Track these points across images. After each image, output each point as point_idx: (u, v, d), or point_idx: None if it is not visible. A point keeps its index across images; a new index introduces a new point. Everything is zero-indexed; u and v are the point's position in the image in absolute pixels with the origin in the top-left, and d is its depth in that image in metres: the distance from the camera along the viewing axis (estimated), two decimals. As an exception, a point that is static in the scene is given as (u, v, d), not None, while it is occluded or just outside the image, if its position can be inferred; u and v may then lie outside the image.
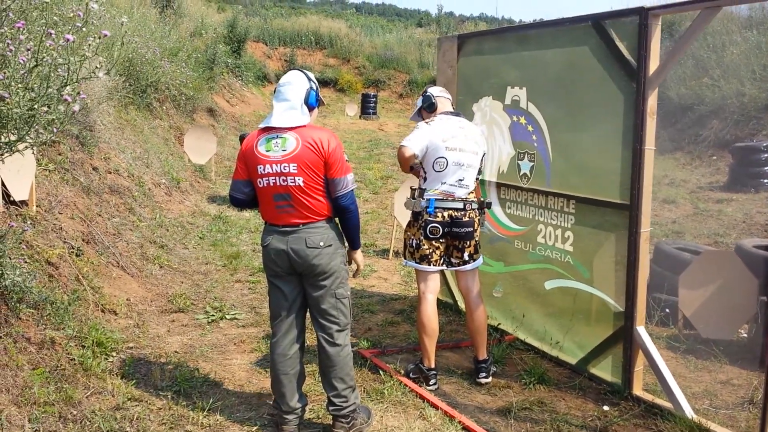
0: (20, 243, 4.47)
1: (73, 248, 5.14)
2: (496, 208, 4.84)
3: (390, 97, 25.44)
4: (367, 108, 22.19)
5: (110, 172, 7.23)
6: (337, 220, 3.42)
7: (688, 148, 12.48)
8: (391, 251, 7.24)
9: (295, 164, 3.20)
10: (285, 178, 3.22)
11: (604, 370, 4.05)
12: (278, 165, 3.22)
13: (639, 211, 3.73)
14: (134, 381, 3.93)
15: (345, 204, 3.31)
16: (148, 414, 3.57)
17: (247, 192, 3.38)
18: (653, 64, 3.64)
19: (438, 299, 5.46)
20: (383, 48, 27.09)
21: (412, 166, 4.08)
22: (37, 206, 5.17)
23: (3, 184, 4.72)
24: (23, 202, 4.97)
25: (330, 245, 3.32)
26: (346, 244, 3.47)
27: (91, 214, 6.00)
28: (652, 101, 3.67)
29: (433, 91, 4.23)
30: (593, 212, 4.03)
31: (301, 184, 3.22)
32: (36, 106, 3.04)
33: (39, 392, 3.36)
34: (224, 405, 3.76)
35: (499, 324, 4.85)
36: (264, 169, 3.24)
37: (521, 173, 4.57)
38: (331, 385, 3.45)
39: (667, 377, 3.65)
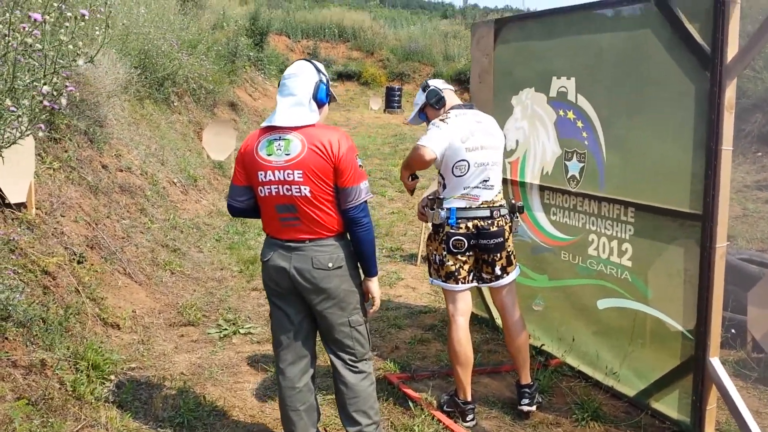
0: (13, 251, 4.05)
1: (75, 255, 4.72)
2: (540, 215, 4.30)
3: (414, 91, 24.80)
4: (391, 102, 21.67)
5: (121, 170, 6.81)
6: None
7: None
8: (420, 256, 6.74)
9: (301, 171, 2.71)
10: (289, 187, 2.73)
11: (669, 406, 3.51)
12: (281, 172, 2.73)
13: (714, 223, 3.18)
14: (132, 411, 3.48)
15: (355, 216, 2.80)
16: (145, 453, 3.13)
17: (245, 200, 2.90)
18: (731, 50, 3.08)
19: (473, 313, 4.98)
20: (407, 40, 26.51)
21: (411, 176, 3.58)
22: (37, 209, 4.76)
23: (-3, 186, 4.32)
24: (21, 205, 4.56)
25: (340, 266, 2.83)
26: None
27: (98, 216, 5.58)
28: (730, 93, 3.11)
29: (437, 83, 3.68)
30: (657, 222, 3.48)
31: (308, 195, 2.73)
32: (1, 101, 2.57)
33: (20, 428, 2.92)
34: (232, 441, 3.31)
35: (542, 345, 4.33)
36: (265, 176, 2.75)
37: (569, 175, 4.03)
38: (351, 420, 2.97)
39: (748, 420, 3.09)
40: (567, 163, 4.05)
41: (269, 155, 2.76)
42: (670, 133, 3.38)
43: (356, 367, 2.97)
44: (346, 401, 2.96)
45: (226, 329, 4.75)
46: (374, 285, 2.97)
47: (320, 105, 2.88)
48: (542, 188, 4.27)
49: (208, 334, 4.70)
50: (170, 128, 9.78)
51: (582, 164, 3.94)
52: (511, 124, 4.48)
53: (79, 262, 4.71)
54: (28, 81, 2.75)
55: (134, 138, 7.88)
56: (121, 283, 4.98)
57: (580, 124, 3.92)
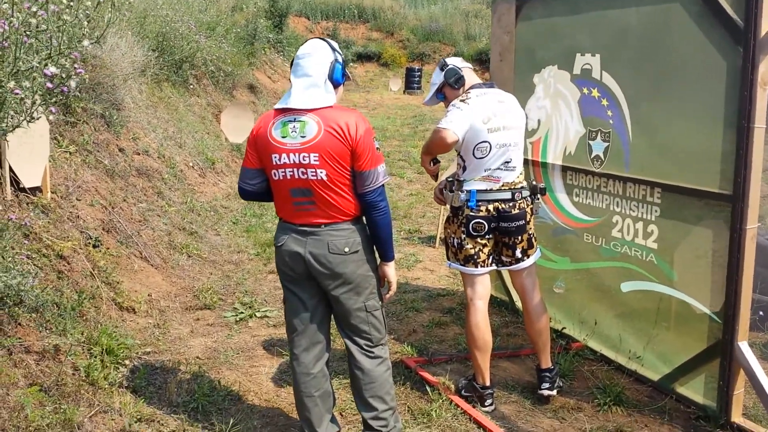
0: (27, 236, 4.03)
1: (91, 239, 4.69)
2: (562, 196, 4.18)
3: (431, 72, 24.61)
4: (411, 82, 21.46)
5: (138, 153, 6.77)
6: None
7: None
8: (438, 238, 6.64)
9: (317, 154, 2.62)
10: (305, 171, 2.64)
11: (695, 391, 3.40)
12: (296, 155, 2.63)
13: (745, 204, 3.05)
14: (147, 396, 3.45)
15: (373, 200, 2.70)
16: (158, 439, 3.09)
17: (257, 183, 2.82)
18: (766, 23, 2.93)
19: (493, 296, 4.88)
20: (428, 20, 26.17)
21: (433, 161, 3.48)
22: (52, 193, 4.73)
23: (11, 170, 4.29)
24: (36, 189, 4.53)
25: (356, 251, 2.74)
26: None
27: (115, 199, 5.55)
28: (763, 68, 2.96)
29: (455, 62, 3.52)
30: (684, 203, 3.35)
31: (324, 178, 2.64)
32: (2, 83, 2.51)
33: (32, 415, 2.89)
34: (247, 427, 3.26)
35: (563, 328, 4.22)
36: (279, 159, 2.66)
37: (593, 155, 3.90)
38: (367, 406, 2.90)
39: (778, 406, 2.99)
40: (591, 142, 3.91)
41: (284, 137, 2.67)
42: (700, 111, 3.24)
43: (372, 352, 2.90)
44: (362, 386, 2.90)
45: (242, 313, 4.71)
46: (391, 270, 2.88)
47: (336, 85, 2.77)
48: (565, 169, 4.14)
49: (224, 317, 4.66)
50: (188, 111, 9.74)
51: (607, 144, 3.80)
52: (532, 103, 4.35)
53: (94, 246, 4.68)
54: (34, 63, 2.68)
55: (152, 121, 7.84)
56: (137, 267, 4.95)
57: (605, 102, 3.78)
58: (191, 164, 7.97)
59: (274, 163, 2.68)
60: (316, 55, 2.71)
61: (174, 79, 9.85)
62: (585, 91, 3.91)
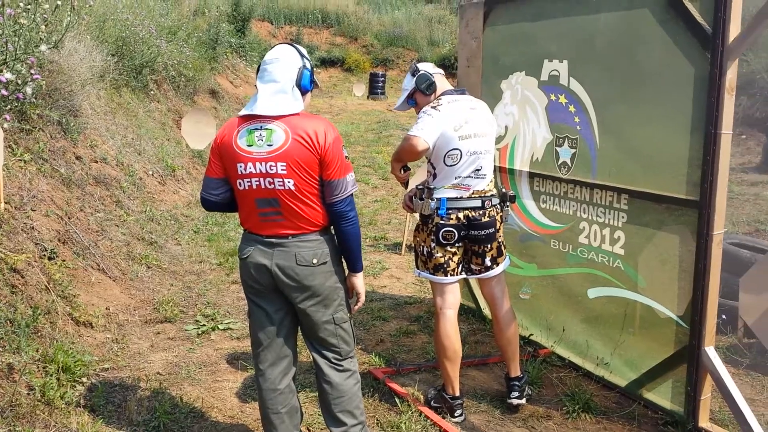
0: (-22, 249, 3.85)
1: (46, 251, 4.52)
2: (529, 202, 4.17)
3: (399, 77, 24.52)
4: (375, 88, 21.40)
5: (96, 161, 6.58)
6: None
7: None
8: (404, 245, 6.59)
9: (284, 163, 2.53)
10: (272, 180, 2.55)
11: (662, 396, 3.41)
12: (263, 164, 2.55)
13: (711, 210, 3.06)
14: (105, 415, 3.31)
15: (341, 210, 2.63)
16: (118, 460, 2.96)
17: (221, 193, 2.72)
18: (734, 30, 2.94)
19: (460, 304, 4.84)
20: (392, 26, 26.19)
21: (403, 168, 3.42)
22: (6, 203, 4.54)
23: (-39, 180, 4.11)
24: (-12, 199, 4.35)
25: (325, 262, 2.66)
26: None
27: (71, 209, 5.37)
28: (731, 75, 2.97)
29: (426, 67, 3.46)
30: (651, 209, 3.35)
31: (292, 188, 2.56)
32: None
33: (-17, 439, 2.75)
34: (211, 445, 3.15)
35: (531, 335, 4.20)
36: (245, 168, 2.57)
37: (560, 162, 3.89)
38: (336, 421, 2.82)
39: (743, 409, 2.98)
40: (558, 149, 3.91)
41: (249, 146, 2.57)
42: (667, 117, 3.24)
43: (341, 366, 2.82)
44: (330, 401, 2.82)
45: (204, 325, 4.58)
46: (359, 281, 2.81)
47: (304, 92, 2.69)
48: (532, 175, 4.13)
49: (186, 330, 4.53)
50: (148, 117, 9.53)
51: (574, 150, 3.80)
52: (500, 109, 4.33)
53: (50, 258, 4.51)
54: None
55: (110, 128, 7.64)
56: (94, 279, 4.79)
57: (572, 108, 3.78)
58: (151, 172, 7.78)
59: (240, 173, 2.59)
60: (284, 61, 2.63)
61: (134, 84, 9.64)
62: (552, 97, 3.90)
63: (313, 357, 2.84)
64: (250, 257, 2.68)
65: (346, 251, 2.73)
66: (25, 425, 2.95)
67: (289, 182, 2.55)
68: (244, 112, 2.61)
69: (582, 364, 3.86)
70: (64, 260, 4.67)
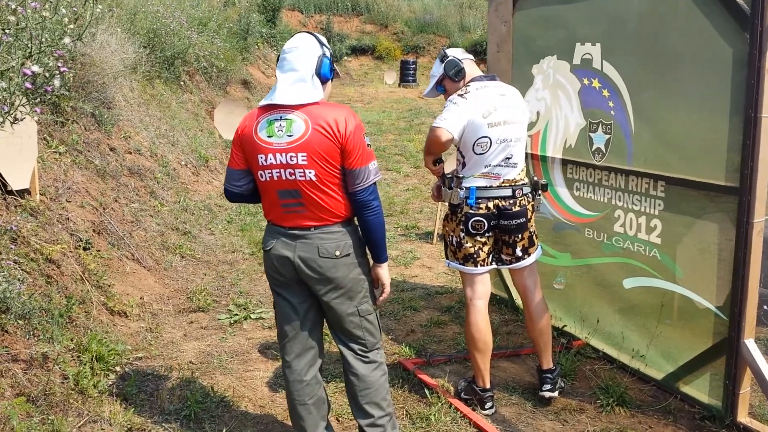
0: (14, 240, 3.92)
1: (81, 241, 4.59)
2: (562, 190, 4.08)
3: (430, 64, 24.32)
4: (406, 75, 21.28)
5: (130, 153, 6.66)
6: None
7: None
8: (436, 234, 6.54)
9: (305, 153, 2.50)
10: (293, 171, 2.53)
11: (700, 390, 3.32)
12: (283, 155, 2.52)
13: (752, 196, 2.95)
14: (137, 404, 3.35)
15: (364, 199, 2.59)
16: (150, 450, 2.99)
17: (244, 184, 2.70)
18: (773, 9, 2.83)
19: (492, 293, 4.79)
20: (422, 12, 25.97)
21: (437, 161, 3.36)
22: (41, 195, 4.62)
23: (-2, 173, 4.18)
24: (24, 191, 4.42)
25: (348, 254, 2.63)
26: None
27: (106, 200, 5.44)
28: (771, 56, 2.86)
29: (456, 53, 3.38)
30: (689, 196, 3.25)
31: (313, 178, 2.53)
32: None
33: (18, 426, 2.79)
34: (240, 436, 3.17)
35: (564, 326, 4.13)
36: (266, 160, 2.55)
37: (594, 148, 3.80)
38: (363, 412, 2.81)
39: (788, 405, 2.90)
40: (592, 134, 3.81)
41: (270, 137, 2.55)
42: (705, 101, 3.14)
43: (367, 357, 2.80)
44: (357, 393, 2.80)
45: (236, 314, 4.61)
46: (384, 272, 2.78)
47: (324, 81, 2.66)
48: (565, 162, 4.04)
49: (219, 320, 4.56)
50: (181, 108, 9.62)
51: (608, 136, 3.70)
52: (531, 94, 4.24)
53: (85, 249, 4.58)
54: (12, 63, 2.56)
55: (143, 119, 7.73)
56: (129, 269, 4.85)
57: (606, 93, 3.68)
58: (184, 162, 7.85)
59: (261, 164, 2.57)
60: (303, 49, 2.60)
61: (166, 76, 9.72)
62: (585, 81, 3.81)
63: (339, 349, 2.82)
64: (273, 249, 2.67)
65: (370, 242, 2.70)
66: (59, 413, 3.00)
67: (310, 173, 2.52)
68: (264, 102, 2.59)
69: (617, 356, 3.78)
70: (99, 250, 4.73)
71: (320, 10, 26.13)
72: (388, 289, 2.82)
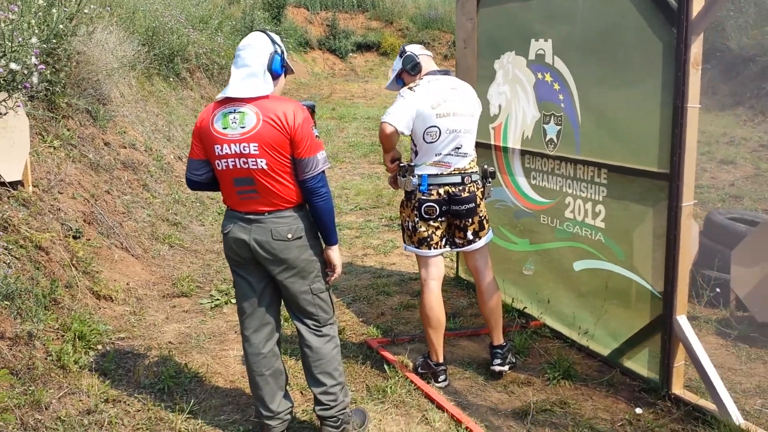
0: (6, 229, 4.18)
1: (71, 230, 4.85)
2: (521, 179, 4.29)
3: (434, 59, 24.54)
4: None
5: (124, 147, 6.92)
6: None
7: (750, 103, 11.43)
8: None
9: (256, 144, 2.74)
10: (246, 160, 2.76)
11: (640, 364, 3.53)
12: (237, 145, 2.76)
13: (680, 182, 3.15)
14: (115, 378, 3.61)
15: (313, 186, 2.82)
16: (122, 418, 3.24)
17: (204, 173, 2.94)
18: (697, 5, 3.02)
19: (461, 279, 5.02)
20: (427, 8, 26.11)
21: (397, 161, 3.60)
22: (34, 186, 4.89)
23: (-10, 165, 4.44)
24: (17, 183, 4.68)
25: (299, 237, 2.87)
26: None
27: (98, 192, 5.70)
28: (695, 49, 3.06)
29: (414, 49, 3.67)
30: (628, 183, 3.46)
31: (265, 167, 2.76)
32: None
33: (1, 396, 3.05)
34: (209, 406, 3.41)
35: (525, 308, 4.35)
36: (222, 150, 2.79)
37: (547, 139, 4.01)
38: (317, 381, 3.05)
39: (712, 375, 3.10)
40: (545, 126, 4.02)
41: (224, 128, 2.79)
42: (641, 93, 3.34)
43: (320, 331, 3.03)
44: (311, 363, 3.04)
45: (218, 299, 4.86)
46: (335, 253, 3.00)
47: (275, 76, 2.89)
48: (523, 153, 4.25)
49: (200, 304, 4.81)
50: (180, 104, 9.89)
51: (559, 127, 3.91)
52: (493, 89, 4.46)
53: (75, 237, 4.84)
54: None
55: (140, 115, 7.99)
56: (117, 257, 5.11)
57: (556, 86, 3.88)
58: (179, 156, 8.11)
59: (217, 154, 2.81)
60: (256, 47, 2.83)
61: (165, 73, 9.99)
62: (539, 75, 4.01)
63: (294, 324, 3.06)
64: (230, 232, 2.91)
65: (320, 226, 2.93)
66: (40, 385, 3.25)
67: (261, 162, 2.75)
68: (219, 96, 2.83)
69: (569, 335, 4.00)
70: (88, 239, 4.99)
71: (326, 7, 26.30)
72: (339, 269, 3.04)
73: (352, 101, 16.23)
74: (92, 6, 6.45)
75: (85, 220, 5.18)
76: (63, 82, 5.88)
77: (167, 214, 6.45)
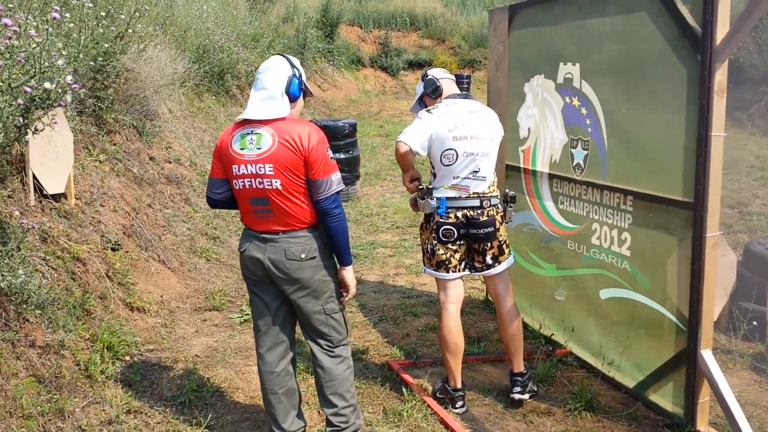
0: (45, 240, 4.36)
1: (110, 242, 5.02)
2: (549, 203, 4.24)
3: (485, 77, 24.48)
4: (460, 89, 21.42)
5: (169, 162, 7.13)
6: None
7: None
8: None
9: (271, 165, 2.80)
10: (261, 180, 2.82)
11: (665, 398, 3.42)
12: (253, 165, 2.82)
13: (704, 211, 3.07)
14: (139, 390, 3.70)
15: (326, 207, 2.86)
16: (141, 429, 3.32)
17: (223, 192, 3.02)
18: (721, 32, 2.95)
19: (490, 302, 4.97)
20: (479, 26, 26.07)
21: (417, 180, 3.62)
22: (76, 199, 5.08)
23: (35, 178, 4.63)
24: (60, 195, 4.88)
25: (313, 257, 2.90)
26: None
27: (140, 205, 5.89)
28: (720, 77, 2.98)
29: (435, 73, 3.72)
30: (654, 211, 3.38)
31: (279, 187, 2.82)
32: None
33: (26, 403, 3.17)
34: (226, 421, 3.47)
35: (552, 335, 4.27)
36: (239, 170, 2.86)
37: (574, 163, 3.95)
38: (328, 402, 3.07)
39: (736, 414, 2.98)
40: (573, 150, 3.97)
41: (242, 149, 2.86)
42: (665, 120, 3.28)
43: (333, 352, 3.05)
44: (323, 384, 3.06)
45: (247, 314, 4.93)
46: (348, 274, 3.03)
47: (293, 99, 2.95)
48: (551, 176, 4.20)
49: (230, 318, 4.89)
50: (228, 120, 10.10)
51: (586, 152, 3.85)
52: (523, 111, 4.43)
53: (113, 249, 5.00)
54: (21, 81, 2.96)
55: (187, 131, 8.22)
56: (153, 270, 5.25)
57: (584, 111, 3.84)
58: (223, 172, 8.28)
59: (235, 174, 2.88)
60: (275, 70, 2.90)
61: (215, 89, 10.26)
62: (567, 99, 3.97)
63: (308, 344, 3.09)
64: (246, 251, 2.97)
65: (334, 246, 2.96)
66: (65, 394, 3.36)
67: (276, 182, 2.80)
68: (239, 117, 2.90)
69: (595, 365, 3.91)
70: (126, 251, 5.15)
71: (379, 25, 26.58)
72: (353, 290, 3.07)
73: (400, 119, 16.30)
74: (140, 25, 6.68)
75: (124, 233, 5.35)
76: (111, 98, 6.11)
77: (207, 228, 6.60)
